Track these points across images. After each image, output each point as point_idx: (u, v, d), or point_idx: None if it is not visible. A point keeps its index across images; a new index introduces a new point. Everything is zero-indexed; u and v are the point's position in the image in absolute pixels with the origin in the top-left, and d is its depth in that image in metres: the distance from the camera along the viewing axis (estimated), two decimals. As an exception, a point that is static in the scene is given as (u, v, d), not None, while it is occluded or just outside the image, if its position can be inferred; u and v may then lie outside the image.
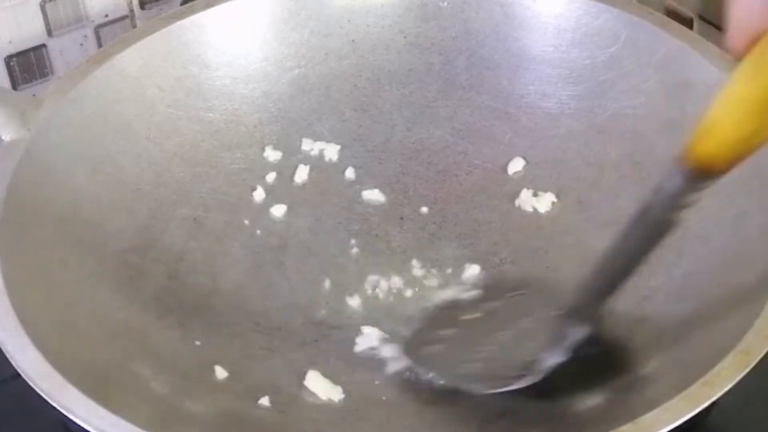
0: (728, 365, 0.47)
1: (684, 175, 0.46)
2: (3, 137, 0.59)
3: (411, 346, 0.57)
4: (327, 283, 0.61)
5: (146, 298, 0.59)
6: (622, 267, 0.51)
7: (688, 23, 0.74)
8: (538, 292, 0.58)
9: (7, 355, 0.49)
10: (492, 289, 0.59)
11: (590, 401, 0.53)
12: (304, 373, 0.56)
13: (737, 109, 0.44)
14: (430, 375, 0.55)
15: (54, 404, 0.47)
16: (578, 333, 0.52)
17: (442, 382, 0.55)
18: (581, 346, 0.52)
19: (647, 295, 0.57)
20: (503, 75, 0.70)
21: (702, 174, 0.46)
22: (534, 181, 0.66)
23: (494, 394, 0.53)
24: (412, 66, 0.71)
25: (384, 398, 0.56)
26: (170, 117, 0.66)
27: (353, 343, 0.58)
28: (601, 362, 0.54)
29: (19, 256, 0.54)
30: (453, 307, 0.58)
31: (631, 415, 0.46)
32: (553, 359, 0.52)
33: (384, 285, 0.61)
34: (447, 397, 0.55)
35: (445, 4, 0.70)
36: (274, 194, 0.66)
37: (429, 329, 0.57)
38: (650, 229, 0.49)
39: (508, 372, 0.53)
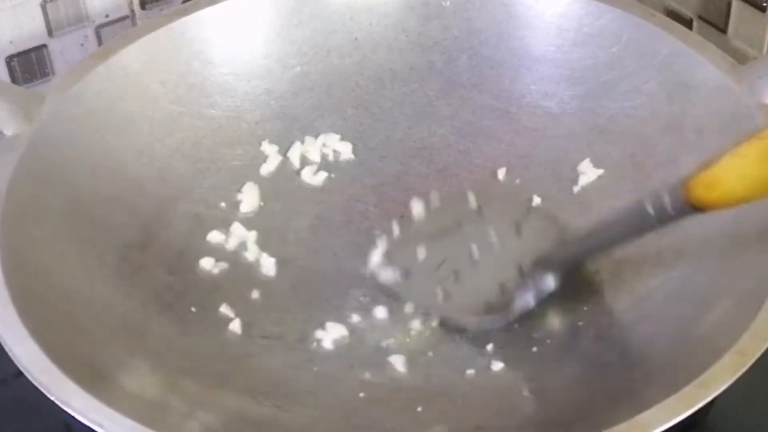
0: (724, 366, 0.47)
1: (679, 204, 0.50)
2: (5, 132, 0.59)
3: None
4: (327, 281, 0.61)
5: (146, 293, 0.59)
6: (597, 244, 0.57)
7: (687, 24, 0.74)
8: None
9: (6, 349, 0.49)
10: None
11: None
12: (303, 371, 0.57)
13: (747, 181, 0.48)
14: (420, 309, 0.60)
15: (52, 398, 0.47)
16: (546, 283, 0.57)
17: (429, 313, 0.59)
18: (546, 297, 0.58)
19: (645, 296, 0.58)
20: (505, 74, 0.70)
21: (695, 209, 0.50)
22: (535, 180, 0.66)
23: None
24: (414, 64, 0.71)
25: (382, 397, 0.56)
26: (172, 113, 0.66)
27: (352, 341, 0.59)
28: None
29: (20, 251, 0.55)
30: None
31: (627, 415, 0.46)
32: (522, 302, 0.57)
33: (384, 285, 0.61)
34: (442, 396, 0.55)
35: (448, 3, 0.70)
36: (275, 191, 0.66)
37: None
38: (633, 230, 0.54)
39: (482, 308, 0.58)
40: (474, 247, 0.61)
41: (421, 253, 0.62)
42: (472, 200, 0.64)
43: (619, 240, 0.56)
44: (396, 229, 0.63)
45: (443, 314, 0.59)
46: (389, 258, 0.62)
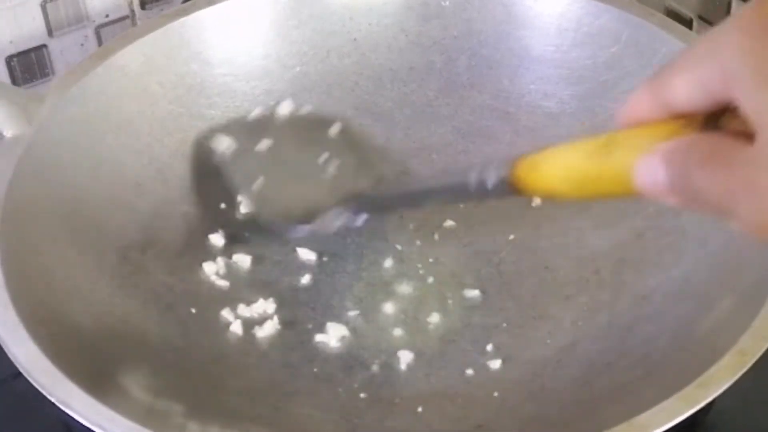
0: (724, 366, 0.47)
1: (499, 180, 0.48)
2: (5, 133, 0.59)
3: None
4: (327, 280, 0.61)
5: (146, 294, 0.59)
6: (415, 201, 0.59)
7: (687, 24, 0.74)
8: None
9: (6, 350, 0.49)
10: None
11: None
12: (303, 371, 0.57)
13: (572, 174, 0.45)
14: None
15: (52, 399, 0.47)
16: (352, 219, 0.60)
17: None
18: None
19: (646, 295, 0.58)
20: (504, 74, 0.70)
21: (512, 188, 0.48)
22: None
23: None
24: (413, 65, 0.71)
25: (383, 397, 0.56)
26: (172, 114, 0.66)
27: (352, 342, 0.59)
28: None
29: (20, 252, 0.55)
30: None
31: (627, 415, 0.46)
32: (322, 223, 0.60)
33: (383, 284, 0.61)
34: (442, 396, 0.55)
35: (447, 3, 0.70)
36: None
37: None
38: (449, 196, 0.56)
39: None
40: (310, 164, 0.64)
41: (264, 144, 0.65)
42: (335, 128, 0.67)
43: (434, 202, 0.58)
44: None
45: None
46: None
